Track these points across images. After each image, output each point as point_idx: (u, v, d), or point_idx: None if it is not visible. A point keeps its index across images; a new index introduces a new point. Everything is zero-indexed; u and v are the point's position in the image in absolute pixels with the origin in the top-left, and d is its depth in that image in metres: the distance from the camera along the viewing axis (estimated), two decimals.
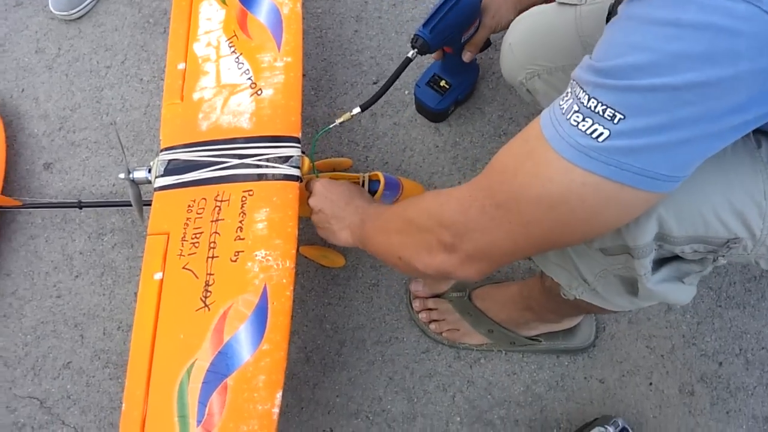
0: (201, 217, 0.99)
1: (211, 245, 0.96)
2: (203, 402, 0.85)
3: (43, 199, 1.43)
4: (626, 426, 1.12)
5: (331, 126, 1.09)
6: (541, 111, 0.62)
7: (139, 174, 1.10)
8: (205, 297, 0.92)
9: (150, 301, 0.95)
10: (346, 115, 1.08)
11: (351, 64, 1.50)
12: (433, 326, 1.24)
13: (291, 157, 1.03)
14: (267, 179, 1.01)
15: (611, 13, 0.84)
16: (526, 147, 0.61)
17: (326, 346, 1.27)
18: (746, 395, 1.20)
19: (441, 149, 1.40)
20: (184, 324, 0.92)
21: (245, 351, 0.87)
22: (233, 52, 1.16)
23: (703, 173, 0.59)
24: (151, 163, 1.08)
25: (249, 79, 1.12)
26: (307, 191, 1.08)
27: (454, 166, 1.38)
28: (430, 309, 1.25)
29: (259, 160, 1.02)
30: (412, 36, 1.08)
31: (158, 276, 0.96)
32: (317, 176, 1.11)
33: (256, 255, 0.94)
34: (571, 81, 0.58)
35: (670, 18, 0.50)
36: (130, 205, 1.15)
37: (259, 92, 1.10)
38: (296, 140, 1.05)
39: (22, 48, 1.61)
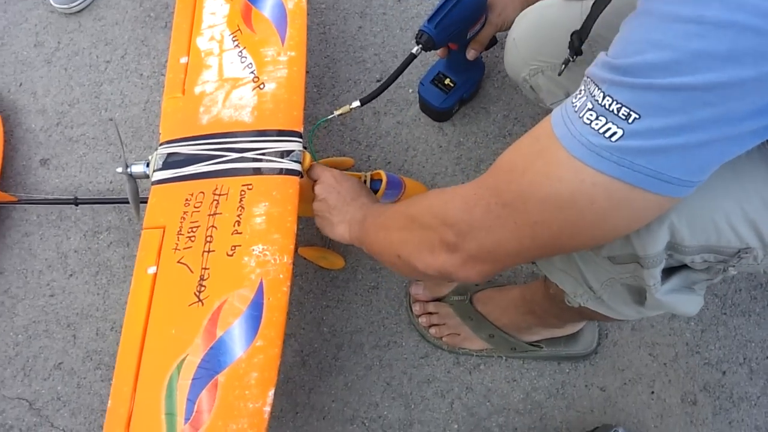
0: (198, 211, 0.97)
1: (208, 239, 0.94)
2: (192, 399, 0.82)
3: (39, 195, 1.41)
4: None
5: (329, 117, 1.07)
6: (545, 110, 0.60)
7: (137, 168, 1.08)
8: (199, 292, 0.90)
9: (142, 295, 0.92)
10: (345, 108, 1.06)
11: (354, 60, 1.48)
12: (433, 330, 1.22)
13: (292, 151, 1.01)
14: (267, 173, 0.99)
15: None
16: (536, 145, 0.59)
17: (323, 350, 1.25)
18: (749, 405, 1.18)
19: (445, 149, 1.38)
20: (176, 319, 0.89)
21: (238, 347, 0.85)
22: (236, 46, 1.14)
23: (718, 180, 0.57)
24: (150, 157, 1.06)
25: (252, 73, 1.10)
26: (312, 178, 1.06)
27: (457, 167, 1.36)
28: (431, 313, 1.23)
29: (260, 154, 1.01)
30: (416, 32, 1.07)
31: (152, 270, 0.94)
32: (317, 162, 1.09)
33: (253, 249, 0.92)
34: (585, 78, 0.56)
35: (692, 15, 0.47)
36: (127, 203, 1.14)
37: (261, 86, 1.08)
38: (298, 135, 1.03)
39: (21, 41, 1.59)
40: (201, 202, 0.98)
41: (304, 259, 1.30)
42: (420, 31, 1.06)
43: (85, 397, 1.26)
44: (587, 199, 0.55)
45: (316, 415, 1.20)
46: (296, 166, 1.00)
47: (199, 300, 0.89)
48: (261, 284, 0.89)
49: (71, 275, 1.35)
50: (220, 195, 0.98)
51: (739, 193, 0.63)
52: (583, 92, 0.55)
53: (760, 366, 1.20)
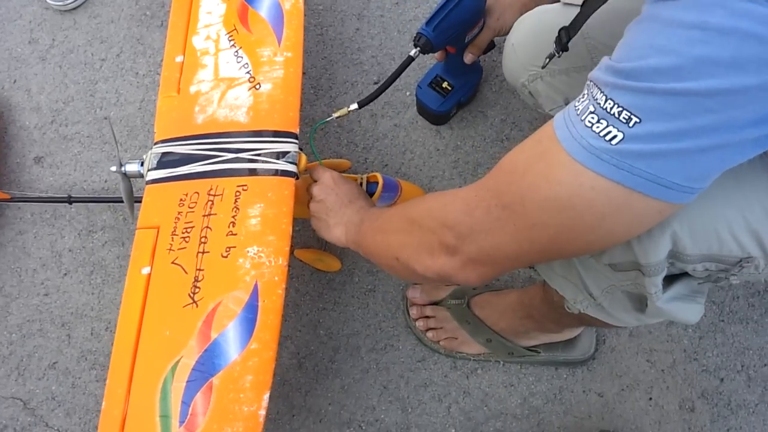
0: (193, 212, 0.96)
1: (202, 240, 0.93)
2: (187, 402, 0.81)
3: (33, 193, 1.40)
4: None
5: (327, 119, 1.07)
6: (543, 115, 0.60)
7: (132, 167, 1.07)
8: (194, 293, 0.89)
9: (136, 296, 0.91)
10: (343, 110, 1.06)
11: (352, 62, 1.47)
12: (430, 334, 1.21)
13: (288, 152, 1.00)
14: (262, 174, 0.98)
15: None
16: (537, 147, 0.59)
17: (320, 353, 1.24)
18: (747, 413, 1.17)
19: (442, 152, 1.37)
20: (170, 320, 0.88)
21: (233, 350, 0.84)
22: (233, 45, 1.13)
23: (720, 189, 0.58)
24: (144, 156, 1.05)
25: (248, 73, 1.09)
26: (312, 179, 1.06)
27: (454, 170, 1.35)
28: (428, 317, 1.22)
29: (255, 154, 1.00)
30: (414, 35, 1.06)
31: (146, 270, 0.93)
32: (321, 163, 1.09)
33: (248, 251, 0.91)
34: (588, 82, 0.56)
35: (696, 21, 0.47)
36: (122, 202, 1.13)
37: (257, 86, 1.07)
38: (294, 136, 1.02)
39: (15, 38, 1.58)
40: (195, 203, 0.97)
41: (301, 261, 1.29)
42: (418, 33, 1.05)
43: (79, 397, 1.25)
44: (586, 202, 0.55)
45: (312, 417, 1.19)
46: (292, 168, 0.99)
47: (194, 301, 0.88)
48: (256, 286, 0.88)
49: (66, 274, 1.34)
50: (214, 195, 0.97)
51: (741, 202, 0.62)
52: (585, 95, 0.55)
53: (758, 373, 1.19)
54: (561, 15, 0.99)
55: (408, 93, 1.43)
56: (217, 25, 1.17)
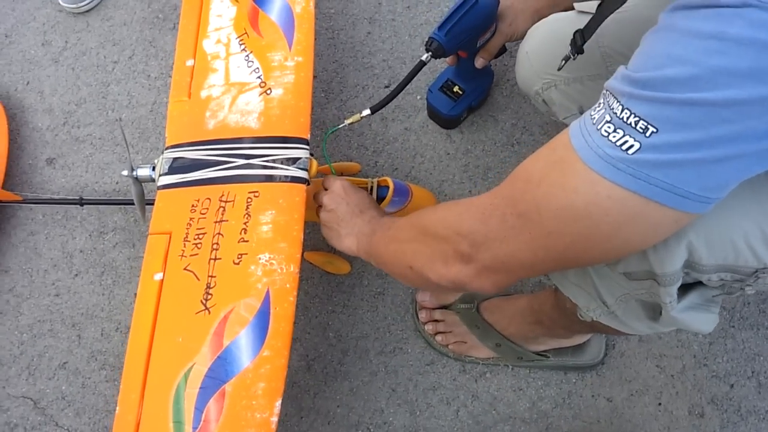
0: (205, 218, 0.97)
1: (214, 247, 0.94)
2: (200, 408, 0.82)
3: (45, 194, 1.41)
4: None
5: (339, 126, 1.07)
6: (556, 122, 0.60)
7: (143, 171, 1.07)
8: (206, 300, 0.89)
9: (149, 302, 0.92)
10: (356, 116, 1.06)
11: (363, 66, 1.47)
12: (439, 338, 1.21)
13: (299, 159, 1.00)
14: (274, 181, 0.98)
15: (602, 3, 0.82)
16: (553, 156, 0.59)
17: (328, 355, 1.24)
18: (757, 419, 1.17)
19: (452, 157, 1.37)
20: (183, 327, 0.89)
21: (245, 357, 0.84)
22: (243, 50, 1.13)
23: (737, 199, 0.57)
24: (156, 161, 1.06)
25: (258, 77, 1.09)
26: (324, 187, 1.06)
27: (465, 175, 1.35)
28: (437, 320, 1.22)
29: (267, 160, 1.00)
30: (426, 39, 1.06)
31: (158, 276, 0.94)
32: (334, 173, 1.09)
33: (259, 258, 0.91)
34: (604, 91, 0.56)
35: (714, 31, 0.47)
36: (133, 204, 1.13)
37: (268, 92, 1.08)
38: (305, 142, 1.03)
39: (29, 40, 1.59)
40: (207, 209, 0.97)
41: (310, 263, 1.29)
42: (430, 38, 1.05)
43: (89, 397, 1.25)
44: (602, 211, 0.55)
45: (320, 420, 1.20)
46: (303, 174, 0.99)
47: (206, 308, 0.89)
48: (268, 293, 0.89)
49: (76, 275, 1.35)
50: (226, 202, 0.97)
51: (758, 213, 0.62)
52: (601, 105, 0.55)
53: None
54: (575, 23, 0.98)
55: (419, 97, 1.43)
56: (227, 29, 1.17)
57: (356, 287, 1.29)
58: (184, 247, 0.95)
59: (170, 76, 1.16)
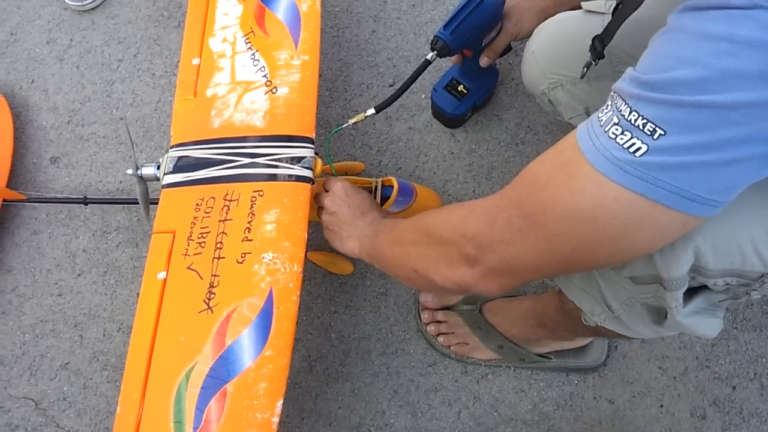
0: (209, 216, 0.97)
1: (218, 245, 0.93)
2: (201, 408, 0.81)
3: (49, 193, 1.41)
4: None
5: (343, 125, 1.07)
6: (561, 122, 0.60)
7: (148, 170, 1.07)
8: (209, 299, 0.89)
9: (152, 300, 0.92)
10: (360, 116, 1.06)
11: (367, 65, 1.47)
12: (441, 339, 1.21)
13: (304, 158, 1.00)
14: (278, 180, 0.98)
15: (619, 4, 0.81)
16: (560, 158, 0.59)
17: (330, 356, 1.24)
18: (760, 421, 1.16)
19: (456, 156, 1.37)
20: (185, 326, 0.89)
21: (247, 356, 0.84)
22: (249, 48, 1.13)
23: (744, 204, 0.57)
24: (160, 160, 1.06)
25: (264, 76, 1.09)
26: (324, 189, 1.06)
27: (469, 174, 1.35)
28: (439, 321, 1.22)
29: (271, 159, 1.00)
30: (431, 38, 1.06)
31: (162, 275, 0.94)
32: (335, 176, 1.08)
33: (263, 257, 0.91)
34: (612, 93, 0.56)
35: (723, 33, 0.47)
36: (137, 203, 1.13)
37: (274, 90, 1.07)
38: (310, 141, 1.02)
39: (34, 38, 1.59)
40: (212, 208, 0.97)
41: (313, 263, 1.29)
42: (435, 37, 1.05)
43: (91, 398, 1.25)
44: (609, 213, 0.55)
45: (322, 421, 1.19)
46: (308, 173, 0.99)
47: (209, 307, 0.89)
48: (271, 293, 0.88)
49: (79, 275, 1.35)
50: (230, 201, 0.97)
51: (765, 217, 0.62)
52: (609, 107, 0.55)
53: None
54: (582, 22, 0.98)
55: (423, 96, 1.42)
56: (233, 27, 1.17)
57: (359, 288, 1.28)
58: (188, 246, 0.95)
59: (175, 75, 1.16)
